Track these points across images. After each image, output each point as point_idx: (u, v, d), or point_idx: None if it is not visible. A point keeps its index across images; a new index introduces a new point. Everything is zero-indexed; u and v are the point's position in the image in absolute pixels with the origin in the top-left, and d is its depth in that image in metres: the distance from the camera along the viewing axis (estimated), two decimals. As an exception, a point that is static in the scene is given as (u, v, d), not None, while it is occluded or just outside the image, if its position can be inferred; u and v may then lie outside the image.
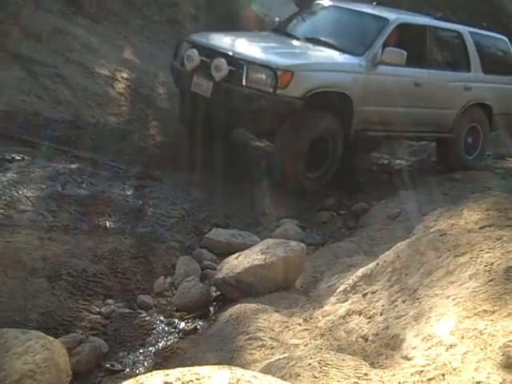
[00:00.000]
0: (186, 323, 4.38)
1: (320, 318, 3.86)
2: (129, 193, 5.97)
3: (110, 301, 4.41)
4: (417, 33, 8.10)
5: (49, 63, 7.85)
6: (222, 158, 6.97)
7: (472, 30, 8.80)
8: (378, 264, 3.95)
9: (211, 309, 4.63)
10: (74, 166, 6.08)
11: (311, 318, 3.88)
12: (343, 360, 2.82)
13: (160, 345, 4.07)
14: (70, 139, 6.74)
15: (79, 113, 7.45)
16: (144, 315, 4.37)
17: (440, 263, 3.54)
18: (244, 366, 3.15)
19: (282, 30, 8.26)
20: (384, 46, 7.41)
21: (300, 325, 3.80)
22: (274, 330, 3.72)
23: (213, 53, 7.06)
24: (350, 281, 4.05)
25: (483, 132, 8.91)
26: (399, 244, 3.98)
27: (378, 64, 7.37)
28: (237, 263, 4.66)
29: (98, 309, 4.29)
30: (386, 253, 3.99)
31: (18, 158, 5.90)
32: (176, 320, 4.40)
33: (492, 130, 9.10)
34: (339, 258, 5.30)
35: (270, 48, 7.45)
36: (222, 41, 7.49)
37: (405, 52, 7.30)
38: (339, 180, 7.40)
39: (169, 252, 5.26)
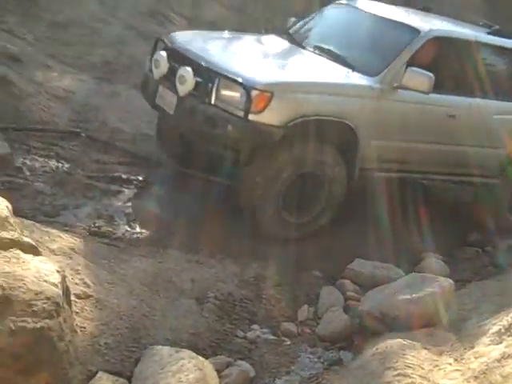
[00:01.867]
0: (331, 354, 4.35)
1: (472, 359, 3.71)
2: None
3: (255, 326, 4.47)
4: (458, 50, 6.27)
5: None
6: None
7: None
8: (536, 307, 3.75)
9: (355, 340, 4.56)
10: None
11: (462, 359, 3.74)
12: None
13: (305, 374, 4.06)
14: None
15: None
16: (288, 343, 4.39)
17: None
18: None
19: (289, 34, 6.60)
20: (409, 64, 5.72)
21: (451, 364, 3.67)
22: (423, 368, 3.61)
23: (181, 59, 5.55)
24: (505, 322, 3.87)
25: None
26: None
27: (397, 88, 5.70)
28: (382, 296, 4.59)
29: (243, 333, 4.36)
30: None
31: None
32: (320, 350, 4.38)
33: None
34: (488, 297, 5.08)
35: (255, 58, 5.84)
36: (198, 43, 5.90)
37: (432, 76, 5.59)
38: (483, 215, 7.07)
39: (312, 281, 5.26)
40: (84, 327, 3.63)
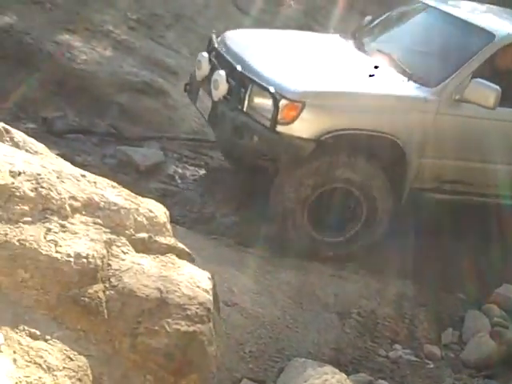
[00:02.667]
0: (476, 381, 4.19)
1: None
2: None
3: (397, 346, 4.40)
4: None
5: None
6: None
7: None
8: None
9: (502, 369, 4.36)
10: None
11: None
12: None
13: (451, 399, 3.94)
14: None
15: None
16: (431, 366, 4.28)
17: None
18: None
19: (354, 35, 5.99)
20: (477, 74, 5.00)
21: None
22: None
23: (220, 60, 5.24)
24: None
25: None
26: None
27: (459, 101, 5.00)
28: (533, 324, 4.36)
29: (385, 352, 4.30)
30: None
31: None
32: (465, 376, 4.23)
33: None
34: None
35: (298, 62, 5.25)
36: (243, 44, 5.42)
37: (499, 89, 4.84)
38: None
39: (456, 303, 5.09)
40: (230, 334, 3.73)
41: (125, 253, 2.96)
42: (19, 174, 2.82)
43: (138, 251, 3.08)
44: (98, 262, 2.76)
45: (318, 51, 5.62)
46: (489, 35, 5.19)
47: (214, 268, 4.17)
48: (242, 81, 4.84)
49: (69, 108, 6.45)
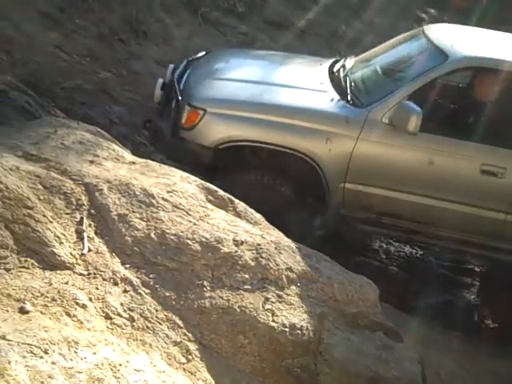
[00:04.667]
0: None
1: None
2: None
3: None
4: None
5: None
6: None
7: None
8: None
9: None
10: None
11: None
12: None
13: None
14: None
15: None
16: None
17: None
18: None
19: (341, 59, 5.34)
20: (420, 97, 4.42)
21: None
22: None
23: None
24: None
25: None
26: None
27: (388, 124, 4.40)
28: None
29: None
30: None
31: None
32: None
33: None
34: None
35: (240, 76, 4.93)
36: (205, 62, 5.17)
37: (420, 112, 4.23)
38: None
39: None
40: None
41: (336, 327, 3.00)
42: (242, 243, 3.00)
43: (348, 326, 3.10)
44: (311, 334, 2.82)
45: (277, 69, 5.18)
46: (442, 56, 4.56)
47: (421, 350, 4.06)
48: (172, 93, 4.69)
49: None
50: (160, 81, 4.82)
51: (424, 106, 4.33)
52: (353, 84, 4.75)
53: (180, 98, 4.49)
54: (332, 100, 4.59)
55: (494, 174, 4.47)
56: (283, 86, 4.75)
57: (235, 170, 4.47)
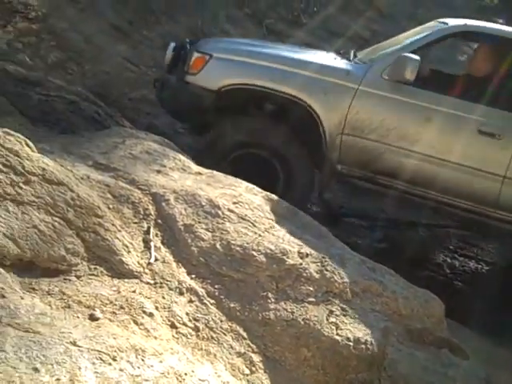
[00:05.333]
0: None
1: None
2: None
3: None
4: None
5: None
6: None
7: None
8: None
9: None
10: None
11: None
12: None
13: None
14: None
15: None
16: None
17: None
18: None
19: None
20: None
21: None
22: None
23: None
24: None
25: None
26: None
27: (388, 80, 4.49)
28: None
29: None
30: None
31: None
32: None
33: None
34: None
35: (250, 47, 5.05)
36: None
37: (417, 59, 4.34)
38: None
39: None
40: None
41: (401, 342, 2.95)
42: (306, 255, 3.00)
43: (413, 342, 3.05)
44: (376, 349, 2.78)
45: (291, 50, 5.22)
46: (444, 24, 4.77)
47: (488, 368, 3.95)
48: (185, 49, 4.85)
49: (339, 190, 6.68)
50: (172, 44, 4.96)
51: (423, 62, 4.49)
52: (358, 55, 4.93)
53: (189, 47, 4.72)
54: (335, 58, 4.81)
55: (492, 135, 4.45)
56: (290, 50, 4.97)
57: (236, 113, 4.63)
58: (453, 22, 4.82)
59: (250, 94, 4.60)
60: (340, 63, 4.72)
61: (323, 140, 4.54)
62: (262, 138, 4.56)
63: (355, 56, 4.97)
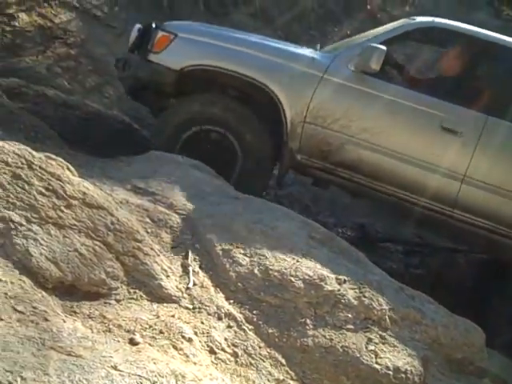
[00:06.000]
0: None
1: None
2: None
3: None
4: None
5: None
6: None
7: None
8: None
9: None
10: None
11: None
12: None
13: None
14: None
15: None
16: None
17: None
18: None
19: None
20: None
21: None
22: None
23: None
24: None
25: None
26: None
27: (354, 71, 4.42)
28: None
29: None
30: None
31: None
32: None
33: None
34: None
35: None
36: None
37: (383, 49, 4.30)
38: None
39: None
40: None
41: (441, 372, 2.90)
42: (344, 281, 2.97)
43: (453, 372, 3.00)
44: (416, 378, 2.73)
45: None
46: (412, 20, 4.79)
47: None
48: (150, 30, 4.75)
49: (374, 214, 6.63)
50: (138, 25, 4.86)
51: (390, 56, 4.55)
52: (326, 48, 5.02)
53: (154, 26, 4.62)
54: (302, 47, 4.82)
55: (454, 132, 4.38)
56: (257, 37, 4.89)
57: (197, 93, 4.57)
58: (421, 18, 4.86)
59: (213, 75, 4.53)
60: (306, 51, 4.68)
61: (284, 127, 4.47)
62: (214, 112, 4.47)
63: (322, 48, 5.01)
